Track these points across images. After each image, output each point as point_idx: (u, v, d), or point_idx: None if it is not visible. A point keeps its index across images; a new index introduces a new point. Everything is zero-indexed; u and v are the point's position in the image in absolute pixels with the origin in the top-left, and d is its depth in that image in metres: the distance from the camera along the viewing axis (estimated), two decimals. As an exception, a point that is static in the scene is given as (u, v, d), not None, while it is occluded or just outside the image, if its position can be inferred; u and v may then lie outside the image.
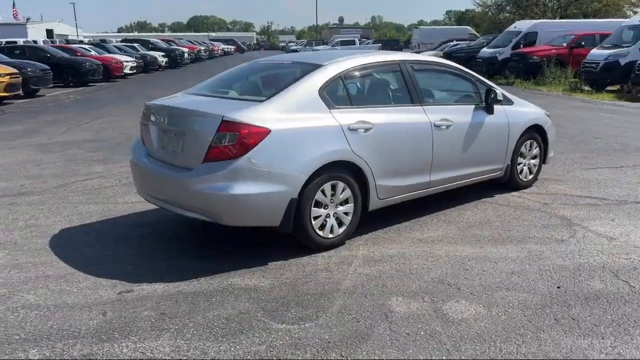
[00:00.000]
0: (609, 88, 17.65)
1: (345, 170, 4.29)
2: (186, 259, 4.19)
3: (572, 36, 20.89)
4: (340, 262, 4.11)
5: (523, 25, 23.63)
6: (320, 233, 4.24)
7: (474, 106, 5.36)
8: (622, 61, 16.79)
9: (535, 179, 6.21)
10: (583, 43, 20.19)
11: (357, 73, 4.63)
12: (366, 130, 4.38)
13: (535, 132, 6.04)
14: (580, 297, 3.50)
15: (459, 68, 5.55)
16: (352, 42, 44.49)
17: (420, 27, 43.59)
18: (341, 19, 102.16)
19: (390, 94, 4.95)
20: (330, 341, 2.99)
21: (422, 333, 3.07)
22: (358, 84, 4.66)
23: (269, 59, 5.53)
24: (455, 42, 30.60)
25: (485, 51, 23.39)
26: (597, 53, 17.75)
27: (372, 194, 4.51)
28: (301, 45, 55.11)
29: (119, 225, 5.04)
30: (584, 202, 5.57)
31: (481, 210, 5.36)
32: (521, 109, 5.89)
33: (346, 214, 4.38)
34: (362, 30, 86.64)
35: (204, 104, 4.33)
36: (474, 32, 36.67)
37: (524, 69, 20.33)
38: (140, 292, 3.63)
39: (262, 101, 4.13)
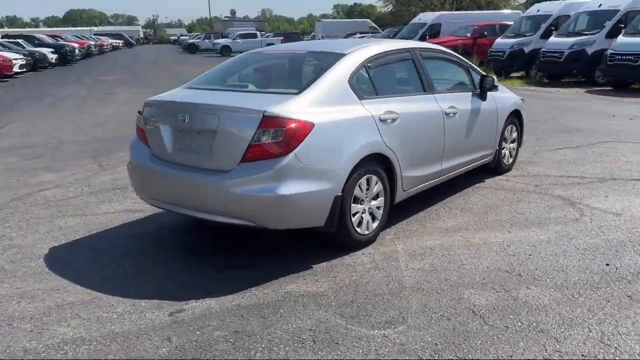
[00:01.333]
0: (513, 74, 18.87)
1: (377, 163, 4.13)
2: (213, 270, 3.81)
3: (475, 27, 22.07)
4: (385, 258, 3.95)
5: (427, 17, 24.60)
6: (358, 230, 4.05)
7: (470, 93, 5.42)
8: (526, 49, 18.04)
9: (514, 162, 6.43)
10: (485, 33, 21.42)
11: (377, 61, 4.46)
12: (393, 120, 4.25)
13: (514, 117, 6.24)
14: (633, 273, 3.63)
15: (453, 54, 5.58)
16: (254, 35, 43.84)
17: (323, 20, 43.99)
18: (233, 12, 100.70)
19: (406, 82, 4.85)
20: (437, 343, 2.84)
21: (519, 324, 3.01)
22: (379, 73, 4.49)
23: (275, 49, 5.21)
24: (359, 35, 31.17)
25: (394, 42, 24.02)
26: (502, 42, 18.90)
27: (398, 186, 4.40)
28: (199, 39, 53.27)
29: (114, 238, 4.50)
30: (568, 181, 5.85)
31: (482, 195, 5.44)
32: (504, 94, 6.05)
33: (378, 208, 4.23)
34: (256, 23, 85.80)
35: (233, 99, 3.96)
36: (374, 25, 37.65)
37: (434, 58, 21.11)
38: (193, 310, 3.24)
39: (295, 94, 3.85)
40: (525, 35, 18.55)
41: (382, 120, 4.14)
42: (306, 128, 3.60)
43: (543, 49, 16.69)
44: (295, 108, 3.67)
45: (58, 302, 3.39)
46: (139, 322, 3.13)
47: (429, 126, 4.70)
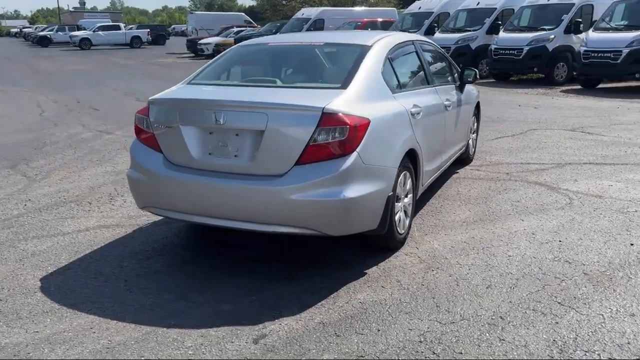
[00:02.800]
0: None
1: (408, 159, 3.99)
2: (259, 285, 3.42)
3: (358, 23, 22.67)
4: (431, 257, 3.83)
5: (311, 12, 24.77)
6: (398, 229, 3.89)
7: (454, 85, 5.48)
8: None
9: (474, 152, 6.66)
10: (369, 29, 22.09)
11: (395, 53, 4.29)
12: (418, 114, 4.14)
13: (476, 109, 6.45)
14: (659, 251, 3.91)
15: (437, 46, 5.60)
16: (117, 27, 40.96)
17: (196, 12, 41.89)
18: (82, 2, 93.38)
19: (416, 74, 4.74)
20: (555, 340, 2.79)
21: (609, 310, 3.06)
22: (399, 65, 4.30)
23: (283, 41, 4.79)
24: (237, 29, 30.55)
25: (280, 37, 23.83)
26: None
27: (420, 181, 4.30)
28: (50, 31, 48.38)
29: (114, 259, 3.86)
30: (532, 168, 6.17)
31: (467, 186, 5.53)
32: (469, 87, 6.22)
33: (409, 205, 4.10)
34: (110, 14, 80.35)
35: (277, 95, 3.57)
36: (249, 19, 37.10)
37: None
38: (277, 334, 2.87)
39: (338, 88, 3.58)
40: (410, 32, 19.45)
41: (412, 115, 4.01)
42: (365, 125, 3.36)
43: (430, 45, 17.60)
44: (349, 104, 3.40)
45: (104, 343, 2.81)
46: (224, 355, 2.69)
47: (438, 119, 4.67)
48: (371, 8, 28.08)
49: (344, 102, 3.37)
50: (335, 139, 3.24)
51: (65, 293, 3.37)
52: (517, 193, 5.26)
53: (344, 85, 3.60)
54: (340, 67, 3.94)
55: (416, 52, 4.73)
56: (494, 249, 3.95)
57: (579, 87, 14.05)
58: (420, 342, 2.79)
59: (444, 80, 5.37)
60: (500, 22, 16.77)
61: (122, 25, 42.96)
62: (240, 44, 4.66)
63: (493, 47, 15.45)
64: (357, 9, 27.01)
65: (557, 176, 5.81)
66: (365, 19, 22.88)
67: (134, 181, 3.79)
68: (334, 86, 3.64)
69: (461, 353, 2.69)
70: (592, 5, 15.01)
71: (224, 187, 3.38)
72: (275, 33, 24.73)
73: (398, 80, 4.17)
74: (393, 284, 3.43)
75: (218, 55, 4.43)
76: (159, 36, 44.23)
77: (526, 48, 14.60)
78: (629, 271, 3.56)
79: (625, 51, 12.40)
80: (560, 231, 4.28)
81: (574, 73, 14.43)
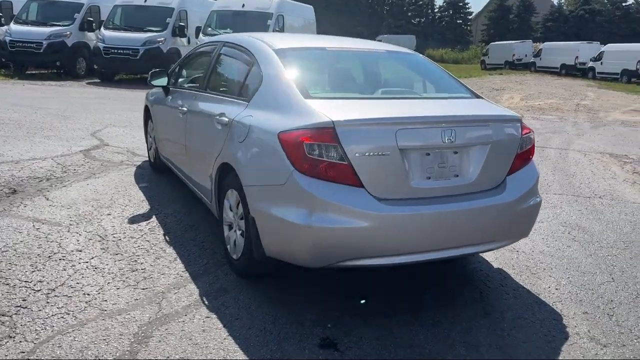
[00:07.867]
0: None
1: None
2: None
3: None
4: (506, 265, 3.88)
5: None
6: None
7: None
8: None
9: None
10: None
11: None
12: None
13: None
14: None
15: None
16: None
17: None
18: None
19: None
20: None
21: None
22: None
23: (339, 47, 4.17)
24: None
25: None
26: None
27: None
28: None
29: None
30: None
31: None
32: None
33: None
34: None
35: (469, 108, 3.53)
36: None
37: None
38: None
39: (472, 97, 3.71)
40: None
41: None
42: None
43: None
44: None
45: None
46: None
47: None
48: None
49: None
50: (529, 146, 3.42)
51: None
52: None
53: (473, 94, 3.75)
54: (438, 77, 4.04)
55: None
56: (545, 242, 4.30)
57: (98, 80, 15.60)
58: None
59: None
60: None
61: None
62: (288, 47, 3.79)
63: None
64: None
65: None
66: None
67: (329, 232, 2.80)
68: (467, 96, 3.72)
69: None
70: (99, 6, 16.99)
71: (459, 213, 3.03)
72: None
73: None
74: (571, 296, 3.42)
75: (283, 62, 3.50)
76: None
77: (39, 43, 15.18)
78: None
79: (142, 50, 14.99)
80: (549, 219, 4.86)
81: (95, 67, 15.92)
